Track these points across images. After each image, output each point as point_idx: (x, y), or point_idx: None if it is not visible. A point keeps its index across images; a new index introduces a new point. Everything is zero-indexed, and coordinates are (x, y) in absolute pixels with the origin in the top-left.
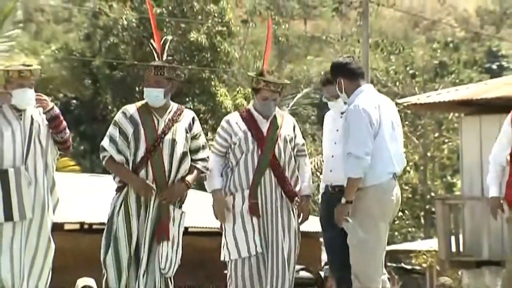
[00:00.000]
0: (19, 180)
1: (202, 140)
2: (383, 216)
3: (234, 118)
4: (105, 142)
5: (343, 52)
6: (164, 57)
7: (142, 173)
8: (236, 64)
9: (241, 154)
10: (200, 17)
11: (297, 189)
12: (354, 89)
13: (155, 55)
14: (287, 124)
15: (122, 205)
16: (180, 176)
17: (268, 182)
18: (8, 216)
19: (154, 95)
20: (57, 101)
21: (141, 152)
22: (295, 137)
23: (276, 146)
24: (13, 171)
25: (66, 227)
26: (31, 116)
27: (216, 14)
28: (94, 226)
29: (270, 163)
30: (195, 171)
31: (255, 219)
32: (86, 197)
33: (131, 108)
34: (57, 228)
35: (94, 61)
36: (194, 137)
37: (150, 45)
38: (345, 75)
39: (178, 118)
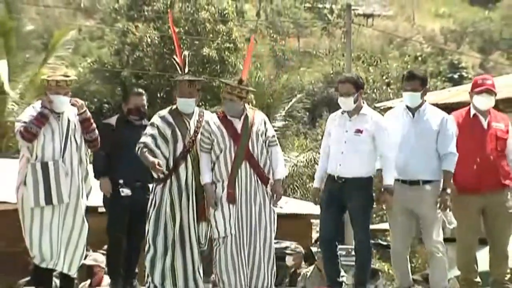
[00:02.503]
0: (57, 171)
1: None
2: None
3: (212, 119)
4: (144, 138)
5: (330, 64)
6: (186, 70)
7: (183, 166)
8: (241, 75)
9: (220, 151)
10: (211, 35)
11: (270, 175)
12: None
13: (178, 68)
14: (257, 120)
15: (168, 193)
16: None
17: (244, 172)
18: (48, 201)
19: (188, 104)
20: (92, 104)
21: (179, 149)
22: (266, 130)
23: (250, 141)
24: (52, 164)
25: (100, 210)
26: (68, 117)
27: (224, 33)
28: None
29: (245, 156)
30: None
31: (231, 206)
32: None
33: (166, 113)
34: (92, 211)
35: (123, 72)
36: None
37: (173, 60)
38: (427, 87)
39: (202, 119)
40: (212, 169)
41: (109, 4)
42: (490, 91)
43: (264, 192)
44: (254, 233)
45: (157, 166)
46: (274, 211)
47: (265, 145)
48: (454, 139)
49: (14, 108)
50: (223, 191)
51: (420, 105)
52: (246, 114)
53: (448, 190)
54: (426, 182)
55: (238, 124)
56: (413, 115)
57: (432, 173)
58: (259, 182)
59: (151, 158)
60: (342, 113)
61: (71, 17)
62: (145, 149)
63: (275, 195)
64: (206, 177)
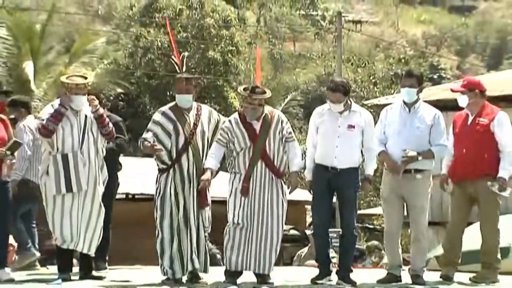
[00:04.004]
0: (76, 162)
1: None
2: None
3: (234, 119)
4: (146, 134)
5: (322, 66)
6: (184, 69)
7: (184, 157)
8: (242, 75)
9: (240, 149)
10: (215, 39)
11: (286, 169)
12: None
13: (177, 68)
14: (276, 120)
15: (172, 182)
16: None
17: (260, 170)
18: (69, 189)
19: (186, 100)
20: (108, 102)
21: (181, 142)
22: (282, 129)
23: (267, 141)
24: (71, 155)
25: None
26: (85, 113)
27: (227, 38)
28: (136, 196)
29: (261, 156)
30: None
31: (243, 198)
32: (130, 174)
33: (167, 109)
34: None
35: (136, 73)
36: (219, 122)
37: (172, 60)
38: (422, 85)
39: (200, 112)
40: (232, 163)
41: (124, 12)
42: (458, 91)
43: (278, 186)
44: (266, 222)
45: (155, 147)
46: (285, 203)
47: (282, 142)
48: (445, 133)
49: (38, 105)
50: (239, 183)
51: (416, 101)
52: (265, 115)
53: (412, 153)
54: (417, 171)
55: (257, 125)
56: (409, 110)
57: (423, 163)
58: (273, 177)
59: (147, 144)
60: (331, 109)
61: (89, 23)
62: (146, 142)
63: (291, 186)
64: (209, 163)
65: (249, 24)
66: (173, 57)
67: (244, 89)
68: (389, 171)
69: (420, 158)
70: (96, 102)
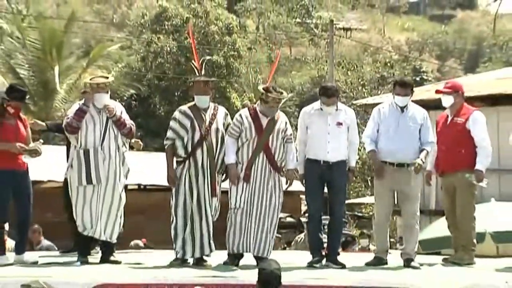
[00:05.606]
0: (96, 157)
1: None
2: None
3: (244, 113)
4: (169, 133)
5: (316, 69)
6: (203, 72)
7: (199, 151)
8: (243, 78)
9: (246, 139)
10: (219, 45)
11: (283, 165)
12: None
13: (196, 71)
14: (281, 121)
15: (187, 173)
16: (222, 152)
17: (261, 161)
18: (89, 181)
19: (204, 101)
20: (122, 101)
21: (197, 137)
22: (286, 129)
23: (270, 136)
24: (92, 151)
25: (128, 187)
26: None
27: (229, 43)
28: (147, 187)
29: (264, 148)
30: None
31: (245, 184)
32: (142, 167)
33: (186, 108)
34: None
35: (147, 75)
36: (229, 124)
37: (192, 64)
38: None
39: (216, 112)
40: (237, 152)
41: (136, 20)
42: (444, 92)
43: (276, 178)
44: (264, 209)
45: (171, 183)
46: (281, 194)
47: (283, 141)
48: (432, 129)
49: (61, 105)
50: (241, 171)
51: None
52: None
53: (419, 162)
54: (409, 164)
55: (265, 121)
56: (402, 110)
57: (415, 157)
58: (272, 170)
59: (172, 175)
60: (321, 109)
61: (105, 30)
62: (170, 147)
63: (288, 181)
64: (230, 158)
65: (249, 31)
66: (193, 61)
67: (265, 89)
68: (375, 172)
69: (424, 160)
70: (111, 108)
